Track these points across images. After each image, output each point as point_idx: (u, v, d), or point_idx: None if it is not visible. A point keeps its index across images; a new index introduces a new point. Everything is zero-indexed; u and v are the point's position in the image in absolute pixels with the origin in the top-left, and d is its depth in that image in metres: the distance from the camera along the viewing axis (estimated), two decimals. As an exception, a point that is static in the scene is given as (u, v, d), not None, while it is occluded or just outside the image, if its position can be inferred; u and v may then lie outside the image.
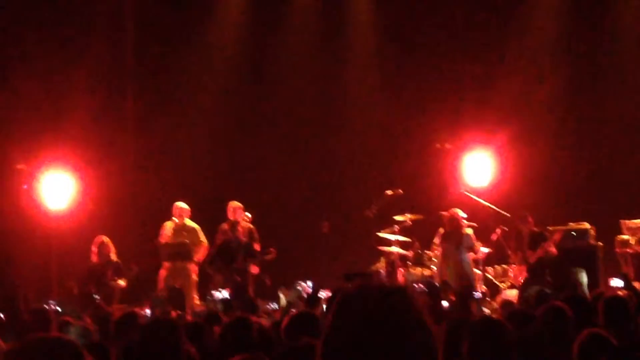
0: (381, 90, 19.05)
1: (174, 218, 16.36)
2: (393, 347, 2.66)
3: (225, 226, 16.09)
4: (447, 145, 17.19)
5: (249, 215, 16.32)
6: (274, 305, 14.73)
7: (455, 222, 15.54)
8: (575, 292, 10.86)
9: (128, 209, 18.30)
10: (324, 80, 19.39)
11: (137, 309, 13.54)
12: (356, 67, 19.35)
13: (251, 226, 16.35)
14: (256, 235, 16.25)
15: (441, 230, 15.84)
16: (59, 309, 13.77)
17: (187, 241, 16.18)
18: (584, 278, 14.42)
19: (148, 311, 13.96)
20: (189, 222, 16.42)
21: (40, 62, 17.95)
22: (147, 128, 18.97)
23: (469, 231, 15.75)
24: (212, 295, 14.97)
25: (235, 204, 16.31)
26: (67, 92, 17.97)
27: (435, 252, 15.96)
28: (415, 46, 18.97)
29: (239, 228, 16.05)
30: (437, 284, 13.98)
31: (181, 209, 16.34)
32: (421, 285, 14.07)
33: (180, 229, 16.33)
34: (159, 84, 19.24)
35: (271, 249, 15.89)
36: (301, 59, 19.54)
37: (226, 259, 15.87)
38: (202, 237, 16.38)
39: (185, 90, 19.38)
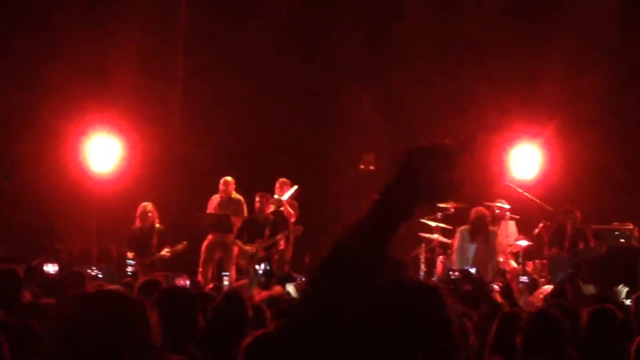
0: (432, 75, 18.82)
1: (220, 192, 16.32)
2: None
3: (257, 198, 16.17)
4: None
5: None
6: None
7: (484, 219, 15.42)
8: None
9: (174, 175, 18.18)
10: (367, 54, 19.18)
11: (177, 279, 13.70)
12: (408, 49, 19.09)
13: (294, 201, 16.42)
14: (293, 211, 16.30)
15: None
16: (99, 274, 13.81)
17: (228, 213, 16.16)
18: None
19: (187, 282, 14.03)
20: (235, 195, 16.36)
21: (86, 22, 17.91)
22: (196, 92, 18.80)
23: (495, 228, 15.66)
24: (254, 269, 15.04)
25: (283, 180, 16.40)
26: (113, 53, 17.85)
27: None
28: (466, 33, 18.76)
29: (273, 203, 16.10)
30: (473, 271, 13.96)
31: (226, 182, 16.28)
32: (457, 273, 14.07)
33: (225, 202, 16.28)
34: (211, 46, 18.99)
35: (299, 226, 15.90)
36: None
37: (253, 232, 15.93)
38: (245, 211, 16.38)
39: (238, 54, 19.01)
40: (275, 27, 19.13)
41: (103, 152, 17.38)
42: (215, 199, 16.28)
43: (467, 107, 18.24)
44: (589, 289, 13.84)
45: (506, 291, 12.56)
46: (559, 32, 18.51)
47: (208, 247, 16.08)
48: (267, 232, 15.94)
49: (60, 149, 17.24)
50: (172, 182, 17.89)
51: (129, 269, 15.27)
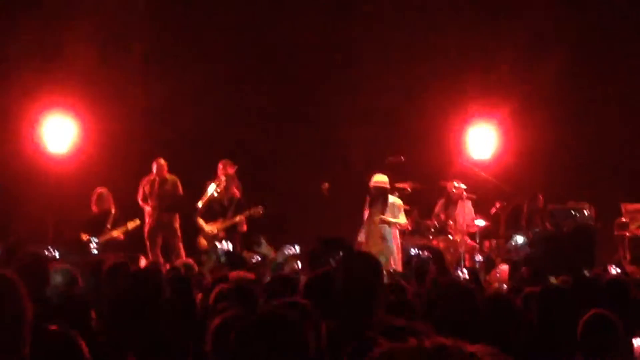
0: (394, 57, 18.76)
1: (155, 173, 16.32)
2: None
3: (214, 182, 16.05)
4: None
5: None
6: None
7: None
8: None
9: (131, 155, 17.97)
10: (337, 36, 19.02)
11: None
12: (372, 30, 18.96)
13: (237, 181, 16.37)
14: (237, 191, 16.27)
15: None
16: (56, 254, 13.75)
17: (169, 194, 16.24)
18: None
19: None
20: (169, 176, 16.33)
21: (41, 3, 17.74)
22: (156, 73, 18.62)
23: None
24: (215, 247, 15.03)
25: (225, 160, 16.22)
26: (71, 33, 17.63)
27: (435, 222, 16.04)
28: (425, 16, 18.71)
29: (229, 183, 16.00)
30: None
31: (160, 165, 16.25)
32: (426, 252, 14.13)
33: (162, 183, 16.28)
34: (170, 26, 18.79)
35: (259, 206, 15.84)
36: (315, 12, 19.15)
37: (216, 213, 15.90)
38: (180, 189, 16.33)
39: (198, 36, 18.82)
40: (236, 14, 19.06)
41: (59, 133, 17.30)
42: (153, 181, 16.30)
43: (428, 86, 18.16)
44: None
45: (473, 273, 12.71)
46: (515, 14, 18.50)
47: (149, 232, 16.22)
48: (229, 212, 15.90)
49: (16, 130, 17.13)
50: (128, 162, 17.66)
51: (94, 250, 15.25)
